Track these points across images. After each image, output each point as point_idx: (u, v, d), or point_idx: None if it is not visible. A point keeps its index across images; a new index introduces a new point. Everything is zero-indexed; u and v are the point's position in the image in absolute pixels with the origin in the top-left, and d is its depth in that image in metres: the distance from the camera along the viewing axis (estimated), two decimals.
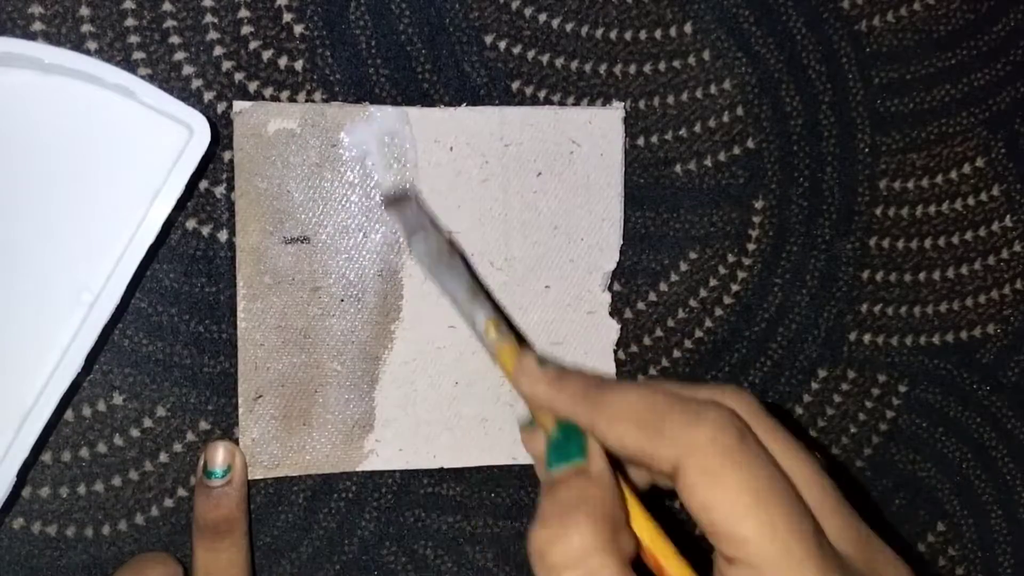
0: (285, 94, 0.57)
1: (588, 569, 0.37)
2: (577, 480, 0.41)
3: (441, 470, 0.60)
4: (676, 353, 0.63)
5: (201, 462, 0.55)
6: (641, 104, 0.61)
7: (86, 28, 0.55)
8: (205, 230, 0.57)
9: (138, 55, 0.56)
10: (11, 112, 0.52)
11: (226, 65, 0.57)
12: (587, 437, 0.42)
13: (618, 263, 0.61)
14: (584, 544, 0.38)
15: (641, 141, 0.61)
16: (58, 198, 0.53)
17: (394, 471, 0.60)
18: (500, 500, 0.61)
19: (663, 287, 0.62)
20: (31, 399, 0.51)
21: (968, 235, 0.65)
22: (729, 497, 0.37)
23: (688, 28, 0.61)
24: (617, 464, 0.42)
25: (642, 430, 0.39)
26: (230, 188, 0.56)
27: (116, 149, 0.53)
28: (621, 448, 0.40)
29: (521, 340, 0.45)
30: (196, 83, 0.56)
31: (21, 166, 0.52)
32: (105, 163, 0.53)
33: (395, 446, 0.59)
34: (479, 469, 0.61)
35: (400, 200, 0.54)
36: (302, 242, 0.57)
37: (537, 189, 0.59)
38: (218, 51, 0.56)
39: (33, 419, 0.51)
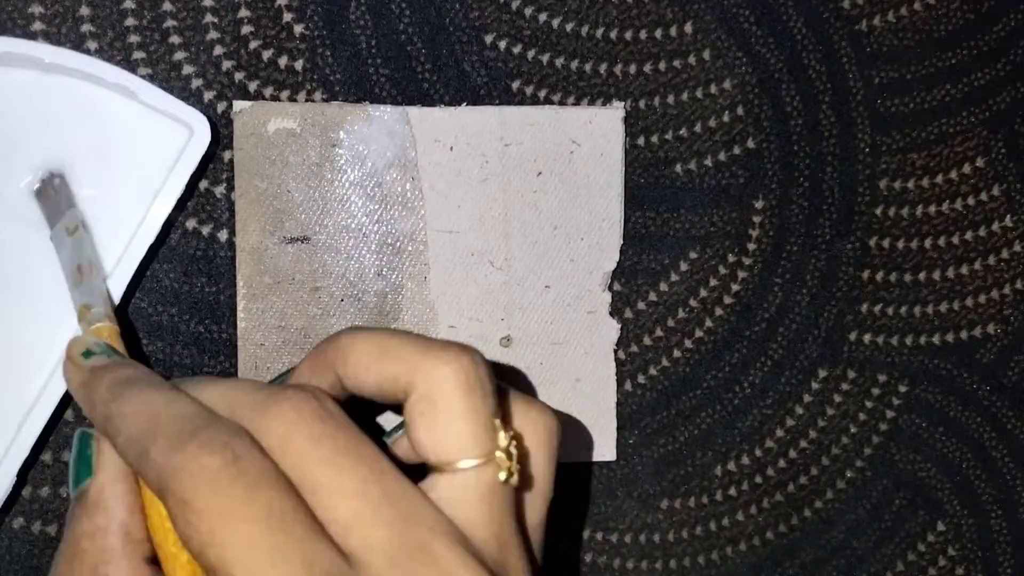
0: (285, 94, 0.57)
1: None
2: (80, 515, 0.39)
3: None
4: (676, 353, 0.62)
5: None
6: (641, 104, 0.61)
7: (86, 28, 0.55)
8: (205, 230, 0.57)
9: (138, 55, 0.56)
10: (11, 112, 0.52)
11: (226, 65, 0.57)
12: (99, 447, 0.39)
13: (618, 263, 0.61)
14: None
15: (641, 141, 0.61)
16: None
17: None
18: None
19: (663, 287, 0.62)
20: (31, 399, 0.51)
21: (968, 235, 0.65)
22: (201, 526, 0.33)
23: (688, 28, 0.61)
24: None
25: (134, 447, 0.36)
26: (230, 188, 0.56)
27: (116, 149, 0.53)
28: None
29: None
30: (196, 83, 0.56)
31: (20, 166, 0.52)
32: (105, 163, 0.53)
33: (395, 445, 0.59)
34: None
35: (47, 185, 0.52)
36: (302, 242, 0.57)
37: (537, 189, 0.59)
38: (218, 51, 0.56)
39: (33, 419, 0.51)
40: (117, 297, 0.52)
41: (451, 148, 0.58)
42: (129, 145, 0.53)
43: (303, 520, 0.34)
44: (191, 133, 0.52)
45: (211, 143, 0.52)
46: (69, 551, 0.38)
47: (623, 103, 0.61)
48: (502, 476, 0.38)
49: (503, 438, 0.39)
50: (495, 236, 0.59)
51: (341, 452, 0.36)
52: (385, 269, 0.58)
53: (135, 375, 0.40)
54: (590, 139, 0.60)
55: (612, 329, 0.61)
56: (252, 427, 0.36)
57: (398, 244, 0.58)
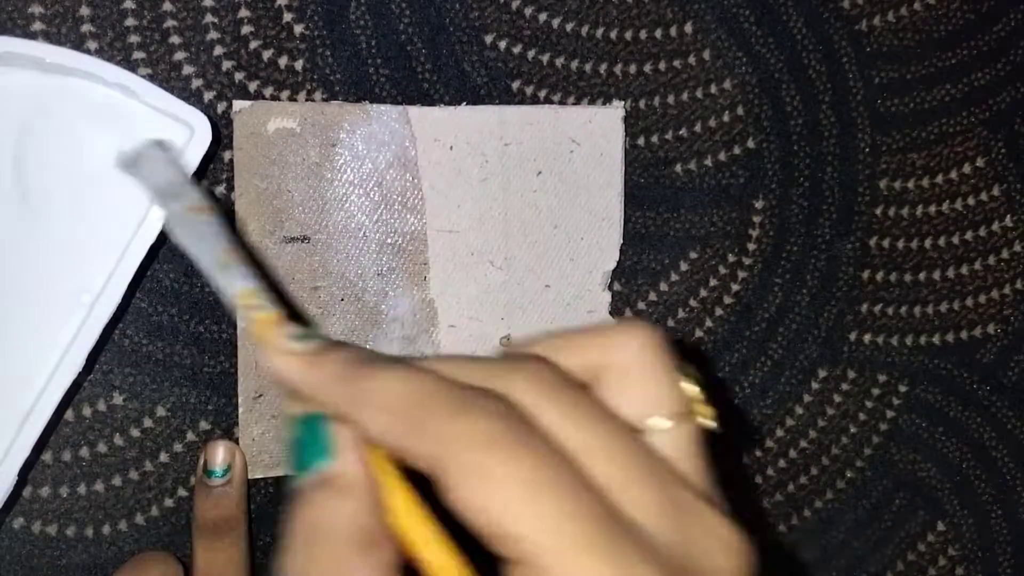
0: (285, 94, 0.57)
1: None
2: (321, 494, 0.36)
3: None
4: None
5: (201, 461, 0.55)
6: (641, 104, 0.61)
7: (86, 28, 0.55)
8: None
9: (138, 55, 0.56)
10: (12, 111, 0.52)
11: (226, 65, 0.57)
12: (333, 430, 0.36)
13: (618, 263, 0.61)
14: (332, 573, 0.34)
15: (641, 141, 0.61)
16: (58, 198, 0.53)
17: None
18: None
19: (663, 287, 0.62)
20: (32, 399, 0.51)
21: (968, 235, 0.65)
22: (496, 494, 0.31)
23: (688, 28, 0.61)
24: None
25: (401, 423, 0.34)
26: (230, 188, 0.56)
27: (116, 148, 0.53)
28: (384, 444, 0.35)
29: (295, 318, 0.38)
30: (196, 83, 0.56)
31: (21, 166, 0.52)
32: (106, 163, 0.53)
33: None
34: None
35: (141, 155, 0.48)
36: (302, 241, 0.57)
37: (537, 188, 0.59)
38: (218, 51, 0.56)
39: (34, 419, 0.51)
40: (118, 297, 0.52)
41: (451, 148, 0.58)
42: (130, 144, 0.53)
43: (587, 483, 0.33)
44: (192, 133, 0.52)
45: (212, 143, 0.52)
46: (307, 539, 0.35)
47: (623, 103, 0.61)
48: (711, 424, 0.38)
49: (694, 390, 0.39)
50: (495, 236, 0.59)
51: (592, 417, 0.35)
52: (385, 269, 0.58)
53: (367, 354, 0.37)
54: (590, 139, 0.60)
55: None
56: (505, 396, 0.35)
57: (398, 244, 0.58)
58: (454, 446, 0.32)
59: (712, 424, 0.37)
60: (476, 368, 0.36)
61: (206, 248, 0.41)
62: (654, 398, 0.36)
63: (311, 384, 0.37)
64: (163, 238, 0.55)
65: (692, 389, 0.37)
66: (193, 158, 0.52)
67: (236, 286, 0.40)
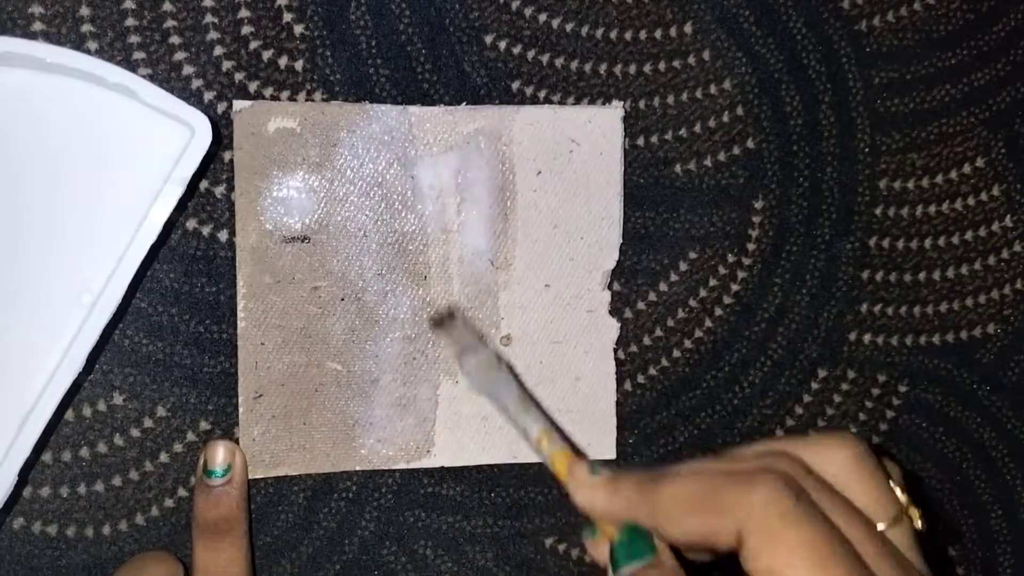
0: (285, 94, 0.57)
1: None
2: (650, 573, 0.42)
3: (441, 470, 0.60)
4: (676, 353, 0.63)
5: (201, 461, 0.55)
6: (641, 104, 0.61)
7: (86, 28, 0.55)
8: (205, 230, 0.57)
9: (138, 55, 0.56)
10: (12, 112, 0.52)
11: (226, 65, 0.57)
12: (652, 534, 0.43)
13: (618, 263, 0.61)
14: None
15: (641, 141, 0.61)
16: (59, 198, 0.53)
17: (394, 471, 0.60)
18: (500, 500, 0.61)
19: (663, 287, 0.62)
20: (32, 399, 0.51)
21: (968, 235, 0.65)
22: (790, 556, 0.37)
23: (688, 28, 0.61)
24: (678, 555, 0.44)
25: (702, 512, 0.40)
26: (230, 188, 0.56)
27: (117, 149, 0.53)
28: (685, 535, 0.41)
29: (574, 449, 0.46)
30: (196, 83, 0.56)
31: (22, 166, 0.52)
32: (106, 163, 0.53)
33: (395, 445, 0.59)
34: (479, 468, 0.61)
35: (446, 319, 0.53)
36: (302, 241, 0.57)
37: (537, 188, 0.59)
38: (218, 51, 0.56)
39: (34, 419, 0.51)
40: (118, 297, 0.52)
41: (451, 148, 0.58)
42: (130, 145, 0.53)
43: (859, 559, 0.38)
44: (192, 133, 0.52)
45: (212, 143, 0.52)
46: None
47: (622, 103, 0.61)
48: (919, 524, 0.41)
49: (904, 496, 0.42)
50: (495, 235, 0.59)
51: (847, 507, 0.40)
52: (385, 269, 0.58)
53: (649, 473, 0.44)
54: (590, 138, 0.60)
55: (612, 328, 0.61)
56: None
57: (398, 243, 0.58)
58: (749, 516, 0.38)
59: (920, 525, 0.41)
60: (738, 457, 0.43)
61: (508, 396, 0.48)
62: (872, 504, 0.41)
63: (614, 507, 0.44)
64: (164, 238, 0.55)
65: (903, 496, 0.42)
66: (194, 158, 0.52)
67: (535, 428, 0.47)
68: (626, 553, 0.44)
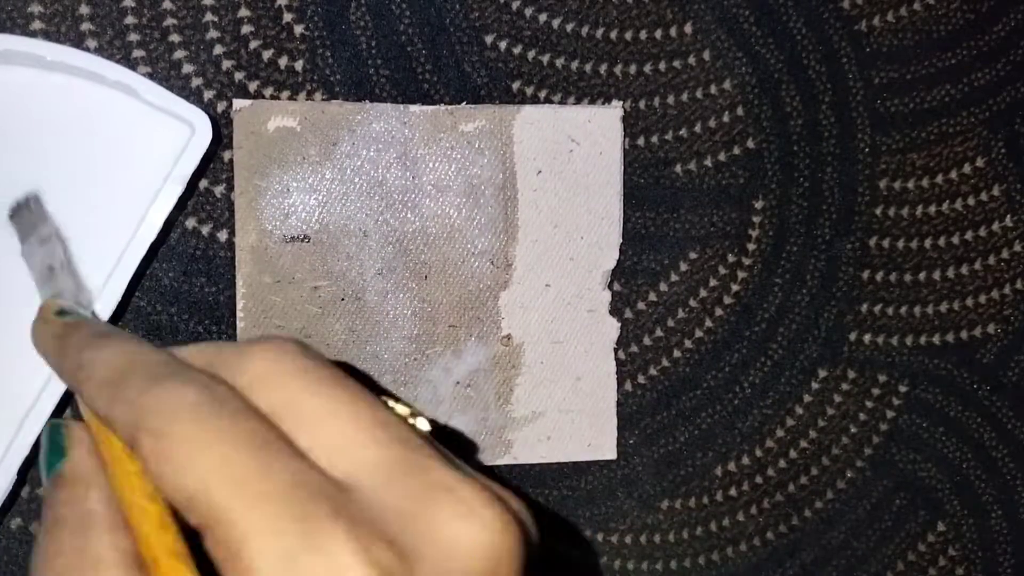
0: (285, 94, 0.57)
1: None
2: (60, 492, 0.36)
3: None
4: (676, 353, 0.63)
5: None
6: (641, 104, 0.61)
7: (85, 27, 0.55)
8: (205, 230, 0.57)
9: (138, 53, 0.56)
10: (11, 110, 0.52)
11: (226, 64, 0.56)
12: (68, 431, 0.37)
13: (618, 263, 0.61)
14: (73, 568, 0.33)
15: (641, 141, 0.61)
16: (58, 196, 0.52)
17: None
18: None
19: (663, 287, 0.62)
20: (31, 398, 0.51)
21: (968, 235, 0.65)
22: (195, 461, 0.31)
23: (688, 28, 0.61)
24: None
25: (106, 392, 0.34)
26: (230, 188, 0.56)
27: (117, 147, 0.53)
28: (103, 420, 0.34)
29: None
30: (196, 82, 0.56)
31: (21, 164, 0.52)
32: (106, 161, 0.53)
33: None
34: (479, 469, 0.61)
35: (21, 208, 0.52)
36: (302, 241, 0.57)
37: (537, 187, 0.59)
38: (218, 50, 0.56)
39: (33, 418, 0.51)
40: (117, 296, 0.51)
41: (451, 147, 0.58)
42: (130, 143, 0.53)
43: (287, 446, 0.32)
44: (192, 131, 0.52)
45: (212, 141, 0.52)
46: (49, 526, 0.35)
47: (622, 102, 0.61)
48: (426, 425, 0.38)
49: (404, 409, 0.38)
50: (495, 234, 0.59)
51: (326, 381, 0.34)
52: (385, 268, 0.58)
53: (111, 330, 0.39)
54: (589, 138, 0.60)
55: (612, 327, 0.61)
56: (230, 370, 0.34)
57: (399, 243, 0.58)
58: (148, 409, 0.32)
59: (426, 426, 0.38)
60: (215, 348, 0.36)
61: (36, 265, 0.46)
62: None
63: (53, 353, 0.39)
64: (163, 237, 0.55)
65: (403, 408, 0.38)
66: (194, 156, 0.52)
67: (45, 295, 0.44)
68: (47, 461, 0.37)
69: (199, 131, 0.52)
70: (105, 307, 0.51)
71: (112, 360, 0.35)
